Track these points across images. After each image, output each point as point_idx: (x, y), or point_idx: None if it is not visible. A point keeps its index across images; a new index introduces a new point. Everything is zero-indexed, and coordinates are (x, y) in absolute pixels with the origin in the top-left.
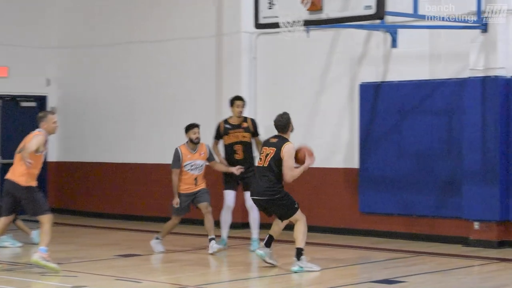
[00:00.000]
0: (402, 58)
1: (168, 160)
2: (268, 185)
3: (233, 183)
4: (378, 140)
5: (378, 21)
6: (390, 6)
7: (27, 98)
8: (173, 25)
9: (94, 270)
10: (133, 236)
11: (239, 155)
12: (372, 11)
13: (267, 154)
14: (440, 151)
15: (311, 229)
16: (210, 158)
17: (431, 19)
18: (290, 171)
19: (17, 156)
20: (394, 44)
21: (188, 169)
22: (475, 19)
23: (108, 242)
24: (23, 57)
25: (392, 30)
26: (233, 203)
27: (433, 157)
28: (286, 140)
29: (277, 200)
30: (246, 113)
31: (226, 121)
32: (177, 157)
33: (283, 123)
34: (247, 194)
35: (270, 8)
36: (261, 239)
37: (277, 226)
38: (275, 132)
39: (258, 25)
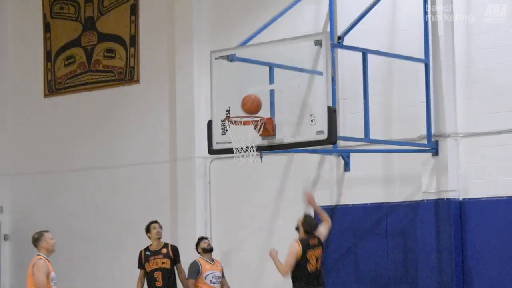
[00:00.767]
0: (356, 182)
1: (124, 285)
2: None
3: None
4: (334, 263)
5: (330, 146)
6: (342, 131)
7: None
8: (126, 151)
9: None
10: None
11: (158, 282)
12: (324, 136)
13: (317, 258)
14: (396, 274)
15: None
16: None
17: (382, 143)
18: None
19: None
20: (347, 167)
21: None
22: (425, 143)
23: None
24: None
25: (345, 154)
26: None
27: (390, 280)
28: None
29: None
30: (197, 235)
31: (146, 248)
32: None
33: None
34: None
35: (223, 134)
36: None
37: None
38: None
39: (212, 151)
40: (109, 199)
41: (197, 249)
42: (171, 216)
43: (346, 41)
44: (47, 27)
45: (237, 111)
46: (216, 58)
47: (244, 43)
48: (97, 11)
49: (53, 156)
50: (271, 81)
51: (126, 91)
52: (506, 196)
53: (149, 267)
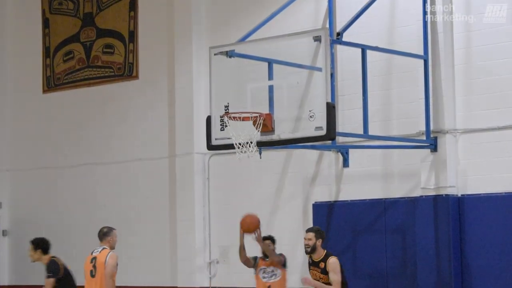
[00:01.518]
0: (355, 178)
1: (124, 279)
2: None
3: None
4: None
5: (329, 142)
6: (340, 127)
7: None
8: (125, 146)
9: None
10: None
11: None
12: (323, 132)
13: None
14: (395, 270)
15: None
16: None
17: (381, 139)
18: None
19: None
20: (346, 163)
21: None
22: (424, 139)
23: None
24: None
25: (344, 150)
26: None
27: (388, 277)
28: None
29: None
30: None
31: None
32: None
33: None
34: None
35: (222, 130)
36: None
37: None
38: None
39: (211, 147)
40: (107, 194)
41: None
42: (170, 212)
43: (345, 37)
44: (46, 23)
45: (236, 107)
46: (215, 54)
47: (243, 39)
48: (96, 6)
49: (52, 152)
50: (270, 77)
51: (125, 87)
52: (505, 192)
53: None
